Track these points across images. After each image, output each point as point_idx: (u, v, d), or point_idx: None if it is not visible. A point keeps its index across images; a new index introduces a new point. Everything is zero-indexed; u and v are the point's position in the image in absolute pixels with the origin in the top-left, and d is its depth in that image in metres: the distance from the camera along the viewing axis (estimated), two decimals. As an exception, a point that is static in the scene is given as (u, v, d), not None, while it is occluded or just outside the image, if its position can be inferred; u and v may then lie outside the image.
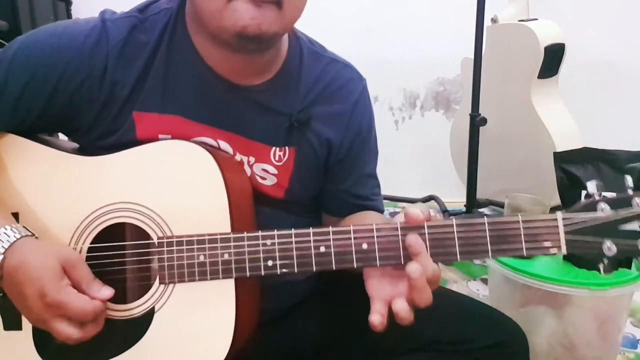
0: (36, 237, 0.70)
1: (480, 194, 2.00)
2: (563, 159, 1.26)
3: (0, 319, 0.75)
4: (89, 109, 0.76)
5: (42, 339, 0.74)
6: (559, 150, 1.58)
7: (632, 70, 2.38)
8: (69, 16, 1.98)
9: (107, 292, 0.68)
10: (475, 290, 1.72)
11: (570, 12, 2.27)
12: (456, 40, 2.06)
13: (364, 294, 0.87)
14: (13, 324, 0.74)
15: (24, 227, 0.70)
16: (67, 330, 0.65)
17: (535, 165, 1.95)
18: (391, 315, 0.87)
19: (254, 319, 0.77)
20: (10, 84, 0.74)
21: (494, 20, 1.99)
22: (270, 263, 0.69)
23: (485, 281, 1.74)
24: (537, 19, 1.92)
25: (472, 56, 1.87)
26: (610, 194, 0.64)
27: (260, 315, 0.78)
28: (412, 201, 2.36)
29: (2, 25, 1.45)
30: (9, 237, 0.67)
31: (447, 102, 2.55)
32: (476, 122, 1.86)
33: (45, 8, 1.73)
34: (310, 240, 0.68)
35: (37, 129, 0.80)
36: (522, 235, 0.64)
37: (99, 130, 0.78)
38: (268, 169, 0.83)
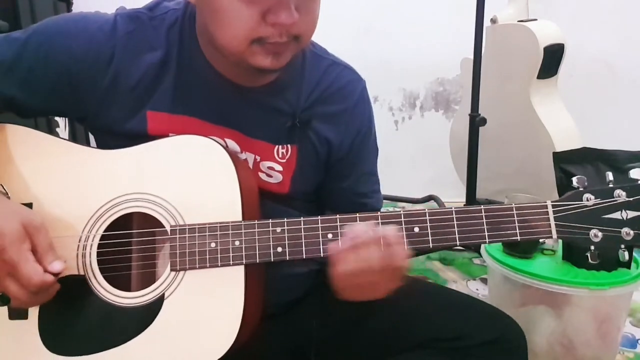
0: (6, 193, 0.74)
1: (480, 194, 2.00)
2: (562, 159, 1.26)
3: (6, 308, 0.76)
4: (93, 93, 0.79)
5: (48, 328, 0.75)
6: (558, 150, 1.58)
7: (631, 70, 2.39)
8: (70, 16, 1.97)
9: (58, 265, 0.70)
10: (475, 289, 1.73)
11: (569, 12, 2.27)
12: (456, 41, 2.06)
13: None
14: (18, 313, 0.75)
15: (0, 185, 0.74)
16: (15, 291, 0.68)
17: (535, 165, 1.95)
18: (391, 314, 0.88)
19: (261, 309, 0.79)
20: (24, 58, 0.77)
21: (493, 21, 1.99)
22: (279, 249, 0.72)
23: (484, 281, 1.75)
24: (536, 20, 1.92)
25: (471, 56, 1.87)
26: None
27: (266, 304, 0.79)
28: (412, 201, 2.37)
29: (2, 26, 1.46)
30: None
31: (446, 102, 2.55)
32: (476, 122, 1.86)
33: (46, 8, 1.74)
34: (318, 228, 0.71)
35: (49, 109, 0.84)
36: (516, 221, 0.70)
37: (108, 116, 0.80)
38: (274, 167, 0.85)
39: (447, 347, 0.82)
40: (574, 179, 0.70)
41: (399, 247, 0.69)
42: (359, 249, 0.68)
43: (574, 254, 1.21)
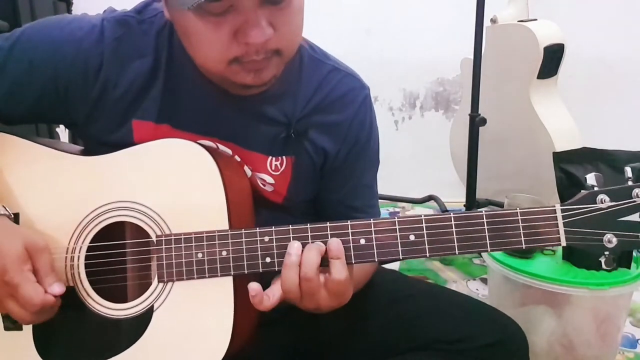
0: (11, 217, 0.73)
1: (480, 194, 2.00)
2: (562, 159, 1.26)
3: (0, 320, 0.75)
4: (82, 103, 0.77)
5: (43, 339, 0.74)
6: (558, 150, 1.58)
7: (631, 70, 2.39)
8: (69, 16, 1.97)
9: (58, 289, 0.69)
10: (475, 289, 1.72)
11: (569, 12, 2.27)
12: (456, 41, 2.06)
13: (364, 294, 0.87)
14: (13, 325, 0.74)
15: (2, 206, 0.73)
16: (16, 311, 0.68)
17: (535, 165, 1.95)
18: (392, 315, 0.88)
19: (253, 317, 0.77)
20: (9, 67, 0.75)
21: (493, 21, 1.99)
22: (268, 260, 0.69)
23: (485, 281, 1.75)
24: (536, 20, 1.92)
25: (471, 56, 1.87)
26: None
27: (259, 314, 0.78)
28: (412, 201, 2.37)
29: (2, 26, 1.46)
30: None
31: (446, 102, 2.55)
32: (476, 122, 1.86)
33: (46, 8, 1.73)
34: (308, 236, 0.69)
35: (36, 118, 0.81)
36: (521, 228, 0.64)
37: (95, 127, 0.78)
38: (265, 179, 0.82)
39: (447, 349, 0.81)
40: (589, 177, 0.63)
41: (336, 267, 0.67)
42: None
43: (574, 254, 1.21)
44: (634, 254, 1.21)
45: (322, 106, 0.82)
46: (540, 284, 1.16)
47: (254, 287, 0.67)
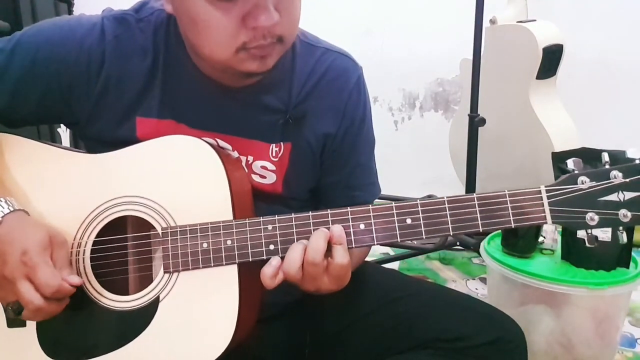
0: (27, 214, 0.74)
1: (479, 194, 2.00)
2: (561, 159, 1.27)
3: (4, 317, 0.76)
4: (85, 100, 0.78)
5: (47, 334, 0.75)
6: (557, 150, 1.59)
7: (630, 70, 2.39)
8: (70, 17, 1.97)
9: (76, 279, 0.70)
10: (474, 289, 1.73)
11: (568, 13, 2.28)
12: (455, 41, 2.07)
13: (365, 292, 0.88)
14: (17, 321, 0.75)
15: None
16: (29, 293, 0.68)
17: (534, 166, 1.95)
18: (391, 314, 0.88)
19: (257, 309, 0.78)
20: (11, 68, 0.76)
21: (492, 22, 1.99)
22: (272, 247, 0.71)
23: (484, 280, 1.75)
24: (535, 20, 1.93)
25: (471, 57, 1.87)
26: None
27: (261, 310, 0.79)
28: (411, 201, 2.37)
29: (3, 27, 1.46)
30: (2, 208, 0.71)
31: (446, 102, 2.56)
32: (475, 122, 1.87)
33: (47, 9, 1.74)
34: (309, 224, 0.71)
35: (38, 118, 0.82)
36: (509, 209, 0.68)
37: (98, 124, 0.79)
38: (267, 166, 0.84)
39: (447, 347, 0.82)
40: (569, 161, 0.68)
41: (339, 253, 0.70)
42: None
43: (573, 254, 1.22)
44: (633, 254, 1.21)
45: (318, 89, 0.84)
46: (539, 283, 1.16)
47: (277, 258, 0.70)
